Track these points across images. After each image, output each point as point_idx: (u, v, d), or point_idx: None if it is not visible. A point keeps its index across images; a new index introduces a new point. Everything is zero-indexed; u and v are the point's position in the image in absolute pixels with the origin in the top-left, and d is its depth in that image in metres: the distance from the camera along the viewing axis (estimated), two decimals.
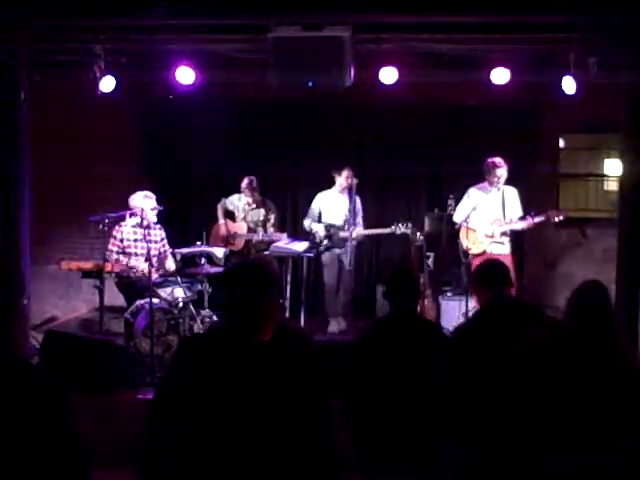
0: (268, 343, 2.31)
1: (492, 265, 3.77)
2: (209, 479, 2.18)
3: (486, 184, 6.66)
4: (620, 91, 5.69)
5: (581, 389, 2.88)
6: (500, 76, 6.09)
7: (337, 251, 7.16)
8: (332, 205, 7.22)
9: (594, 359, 2.93)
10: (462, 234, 6.69)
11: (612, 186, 7.85)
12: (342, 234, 7.09)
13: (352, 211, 7.06)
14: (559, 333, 3.07)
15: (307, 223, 7.27)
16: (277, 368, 2.27)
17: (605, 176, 8.05)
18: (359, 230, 7.09)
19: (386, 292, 3.64)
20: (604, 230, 7.40)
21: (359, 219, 7.21)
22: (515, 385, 2.97)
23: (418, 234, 6.94)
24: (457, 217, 6.78)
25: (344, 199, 7.17)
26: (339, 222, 7.17)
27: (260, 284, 2.33)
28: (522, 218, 6.61)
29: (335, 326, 7.15)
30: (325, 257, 7.22)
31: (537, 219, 6.51)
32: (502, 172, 6.54)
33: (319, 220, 7.21)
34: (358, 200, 7.17)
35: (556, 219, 6.53)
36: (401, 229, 6.91)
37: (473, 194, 6.71)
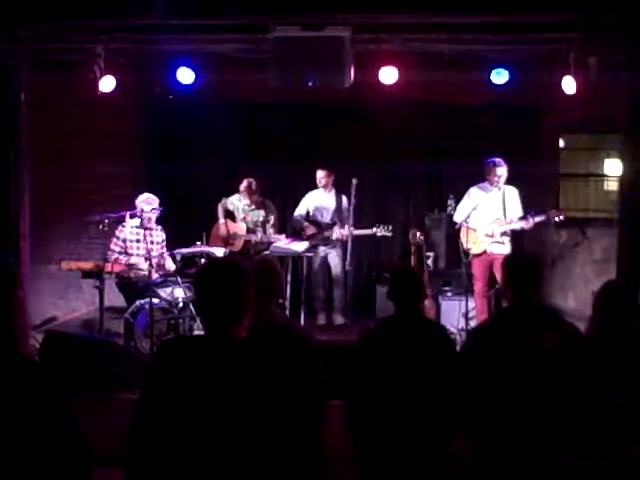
0: (243, 341, 2.31)
1: (519, 264, 3.35)
2: (192, 478, 2.19)
3: (487, 184, 6.66)
4: (620, 91, 5.69)
5: (604, 390, 2.88)
6: (500, 76, 6.09)
7: (322, 249, 7.26)
8: (319, 204, 7.34)
9: (619, 361, 2.92)
10: (462, 234, 6.69)
11: (612, 186, 7.85)
12: (327, 233, 7.21)
13: (339, 210, 7.23)
14: (585, 335, 3.06)
15: (295, 219, 7.40)
16: (251, 366, 2.27)
17: (605, 176, 8.05)
18: (343, 230, 7.07)
19: (390, 293, 3.61)
20: (604, 230, 7.40)
21: (344, 220, 7.18)
22: (537, 384, 2.97)
23: (418, 234, 6.93)
24: (457, 217, 6.78)
25: (331, 198, 7.32)
26: (325, 220, 7.30)
27: (228, 283, 2.33)
28: (522, 218, 6.61)
29: (322, 320, 7.33)
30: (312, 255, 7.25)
31: (537, 219, 6.50)
32: (502, 172, 6.54)
33: (307, 218, 7.34)
34: (345, 200, 7.23)
35: (556, 219, 6.53)
36: (381, 231, 6.99)
37: (474, 194, 6.71)
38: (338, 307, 7.36)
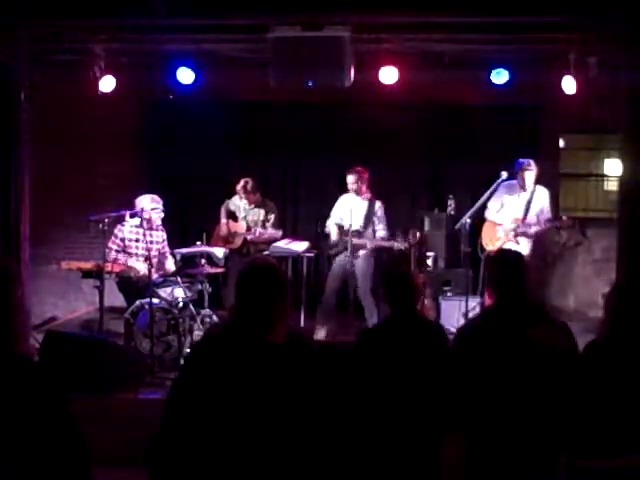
0: (282, 345, 2.30)
1: (503, 263, 3.33)
2: (222, 477, 2.19)
3: (515, 183, 6.64)
4: (620, 91, 5.69)
5: (617, 391, 2.88)
6: (500, 76, 6.09)
7: (343, 257, 6.82)
8: (347, 209, 6.89)
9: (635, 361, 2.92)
10: (484, 229, 6.71)
11: (612, 186, 7.84)
12: (355, 241, 6.75)
13: (369, 216, 6.87)
14: (598, 336, 3.06)
15: (328, 223, 7.06)
16: (292, 370, 2.27)
17: (605, 176, 8.04)
18: (367, 239, 6.78)
19: (385, 294, 3.62)
20: (604, 230, 7.40)
21: (379, 227, 6.90)
22: (524, 382, 2.97)
23: (418, 234, 6.92)
24: (488, 213, 6.74)
25: (361, 204, 6.92)
26: (353, 227, 6.81)
27: (272, 285, 2.32)
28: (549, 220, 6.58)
29: (322, 333, 6.76)
30: (335, 261, 6.90)
31: (549, 224, 6.53)
32: (527, 174, 6.51)
33: (339, 222, 6.97)
34: (378, 206, 6.91)
35: (567, 227, 6.58)
36: (399, 245, 6.68)
37: (501, 192, 6.67)
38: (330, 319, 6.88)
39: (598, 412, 2.87)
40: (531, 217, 6.61)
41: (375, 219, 6.91)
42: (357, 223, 6.87)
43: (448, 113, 7.73)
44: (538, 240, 6.88)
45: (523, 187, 6.60)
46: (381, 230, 6.91)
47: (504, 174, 6.52)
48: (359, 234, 6.84)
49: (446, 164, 8.05)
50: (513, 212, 6.64)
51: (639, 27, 5.17)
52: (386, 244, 6.79)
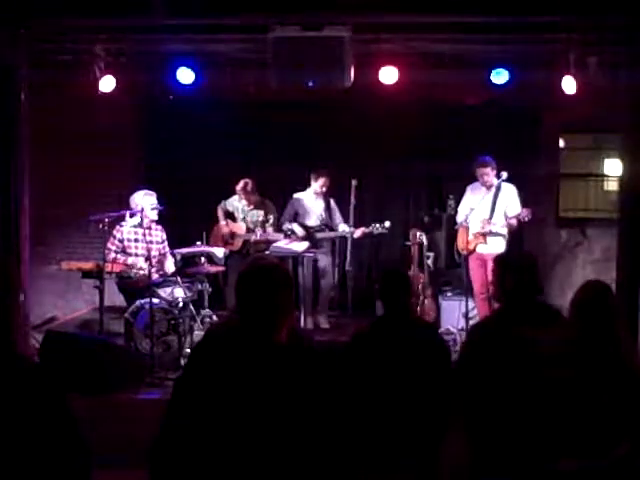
0: (285, 344, 2.30)
1: (512, 262, 3.34)
2: (223, 478, 2.18)
3: (478, 183, 6.66)
4: (620, 91, 5.69)
5: (585, 390, 2.88)
6: (500, 76, 6.10)
7: (311, 253, 7.10)
8: (307, 207, 7.25)
9: (598, 360, 2.92)
10: (459, 234, 6.71)
11: (612, 186, 7.86)
12: (319, 235, 7.17)
13: (328, 212, 7.22)
14: (567, 335, 3.06)
15: (284, 224, 7.27)
16: (295, 370, 2.27)
17: (605, 176, 8.05)
18: (354, 230, 7.00)
19: (379, 292, 3.67)
20: (604, 230, 7.41)
21: (338, 219, 7.23)
22: (534, 383, 2.97)
23: (418, 234, 6.93)
24: (458, 218, 6.78)
25: (319, 201, 7.26)
26: (314, 224, 7.23)
27: (276, 284, 2.31)
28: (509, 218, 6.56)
29: (310, 323, 7.15)
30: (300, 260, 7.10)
31: (511, 221, 6.50)
32: (485, 171, 6.52)
33: (294, 221, 7.26)
34: (332, 201, 7.26)
35: (526, 218, 6.49)
36: (379, 229, 6.93)
37: (467, 193, 6.73)
38: (322, 310, 7.36)
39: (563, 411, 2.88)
40: (498, 216, 6.57)
41: (334, 214, 7.23)
42: (320, 220, 7.23)
43: (448, 113, 7.72)
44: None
45: (485, 185, 6.59)
46: (342, 223, 7.15)
47: (504, 174, 6.54)
48: (323, 231, 7.21)
49: (446, 164, 8.04)
50: (481, 213, 6.60)
51: (639, 27, 5.18)
52: (367, 230, 7.01)
